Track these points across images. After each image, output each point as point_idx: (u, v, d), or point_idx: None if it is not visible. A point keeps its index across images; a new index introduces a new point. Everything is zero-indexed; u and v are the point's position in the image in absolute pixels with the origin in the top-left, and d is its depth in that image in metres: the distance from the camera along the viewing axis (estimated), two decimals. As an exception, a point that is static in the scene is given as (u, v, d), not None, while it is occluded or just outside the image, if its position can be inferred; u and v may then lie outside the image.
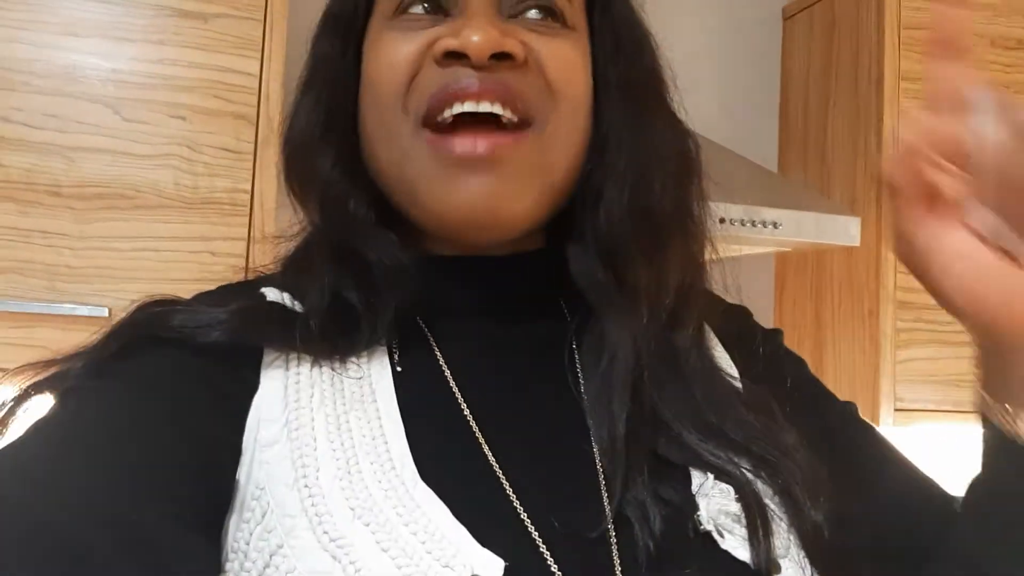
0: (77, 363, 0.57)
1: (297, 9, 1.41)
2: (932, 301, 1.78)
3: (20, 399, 0.56)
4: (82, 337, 1.24)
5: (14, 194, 1.28)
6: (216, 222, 1.34)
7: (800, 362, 0.73)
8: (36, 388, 0.56)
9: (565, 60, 0.62)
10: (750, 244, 1.57)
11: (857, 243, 1.54)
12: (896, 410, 1.71)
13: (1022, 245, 0.51)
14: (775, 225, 1.39)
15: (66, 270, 1.28)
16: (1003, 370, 0.55)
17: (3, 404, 0.56)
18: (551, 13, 0.62)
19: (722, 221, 1.40)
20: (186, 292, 1.27)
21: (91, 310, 1.27)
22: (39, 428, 0.54)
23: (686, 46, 2.08)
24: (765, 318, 2.07)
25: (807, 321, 1.94)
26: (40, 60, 1.30)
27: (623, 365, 0.61)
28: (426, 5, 0.62)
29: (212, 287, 1.27)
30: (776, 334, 0.75)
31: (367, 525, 0.52)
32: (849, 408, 0.71)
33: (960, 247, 0.52)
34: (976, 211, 0.51)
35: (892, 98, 1.74)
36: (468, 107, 0.59)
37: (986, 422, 0.57)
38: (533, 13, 0.62)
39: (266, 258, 1.30)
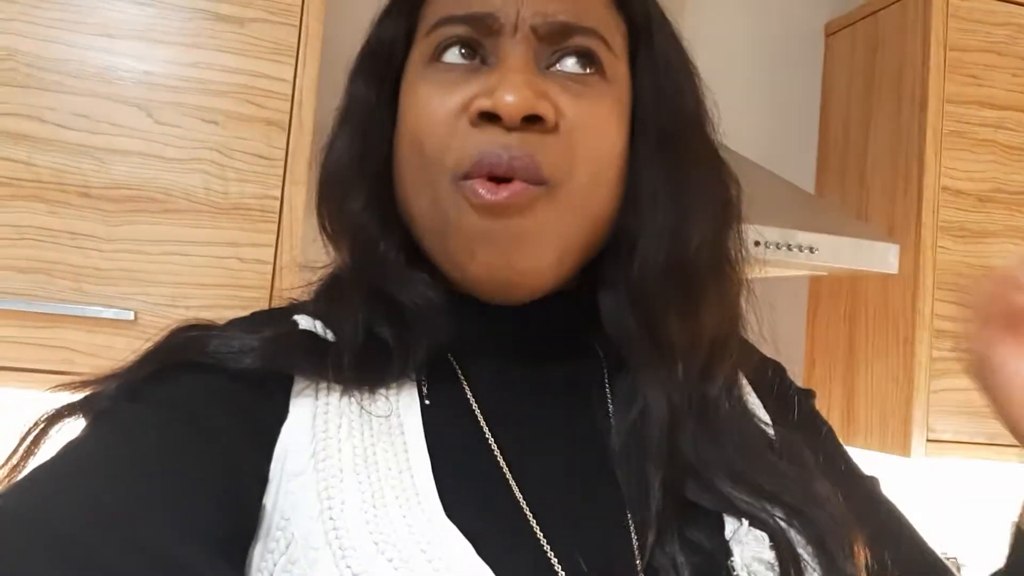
0: (111, 385, 0.57)
1: (333, 15, 1.40)
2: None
3: (52, 420, 0.57)
4: (107, 339, 1.26)
5: (44, 194, 1.27)
6: (245, 228, 1.33)
7: (828, 428, 0.73)
8: (69, 410, 0.57)
9: (596, 122, 0.61)
10: (784, 267, 1.54)
11: (895, 271, 1.51)
12: (928, 440, 1.67)
13: None
14: (811, 250, 1.36)
15: (93, 272, 1.28)
16: None
17: (36, 424, 0.57)
18: (590, 62, 0.62)
19: (757, 244, 1.37)
20: (213, 297, 1.29)
21: (117, 313, 1.27)
22: (69, 450, 0.54)
23: (724, 61, 2.07)
24: (797, 341, 2.04)
25: (839, 346, 1.91)
26: (73, 60, 1.30)
27: (654, 418, 0.61)
28: (463, 51, 0.62)
29: (238, 292, 1.27)
30: (809, 394, 0.75)
31: (390, 561, 0.52)
32: (872, 483, 0.71)
33: None
34: None
35: (935, 122, 1.71)
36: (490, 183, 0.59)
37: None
38: (571, 63, 0.62)
39: (294, 264, 1.32)
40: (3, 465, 0.55)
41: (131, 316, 1.27)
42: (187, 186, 1.32)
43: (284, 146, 1.35)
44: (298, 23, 1.37)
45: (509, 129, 0.58)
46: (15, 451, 0.56)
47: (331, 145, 0.68)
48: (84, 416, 0.57)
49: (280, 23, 1.36)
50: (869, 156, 1.86)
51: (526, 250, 0.59)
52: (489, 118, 0.59)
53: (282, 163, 1.35)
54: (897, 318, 1.71)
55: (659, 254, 0.63)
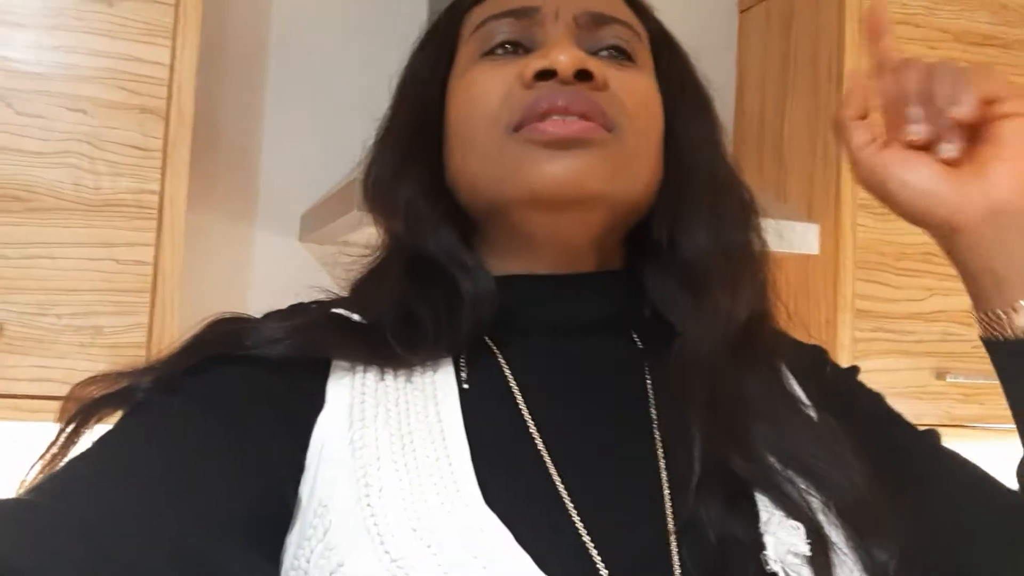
0: (147, 377, 0.60)
1: (213, -7, 1.33)
2: (892, 310, 1.74)
3: (90, 411, 0.59)
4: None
5: None
6: (121, 226, 1.24)
7: (878, 397, 0.77)
8: (105, 402, 0.59)
9: (640, 90, 0.68)
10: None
11: (816, 251, 1.50)
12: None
13: (952, 149, 0.62)
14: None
15: (-49, 280, 1.18)
16: (978, 274, 0.63)
17: (75, 415, 0.59)
18: (624, 53, 0.69)
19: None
20: (87, 303, 1.20)
21: (-22, 324, 1.17)
22: (103, 444, 0.56)
23: (637, 39, 2.03)
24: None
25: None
26: (-80, 46, 1.19)
27: (697, 368, 0.65)
28: (509, 46, 0.68)
29: (115, 296, 1.21)
30: (852, 371, 0.79)
31: (429, 547, 0.54)
32: (930, 438, 0.73)
33: (911, 162, 0.62)
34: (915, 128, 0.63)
35: (852, 97, 1.69)
36: (556, 118, 0.63)
37: (992, 349, 0.63)
38: (606, 53, 0.68)
39: (177, 266, 1.24)
40: (41, 456, 0.57)
41: (-5, 327, 1.17)
42: (54, 182, 1.22)
43: (162, 135, 1.26)
44: (174, 2, 1.28)
45: (564, 83, 0.63)
46: (54, 442, 0.58)
47: (389, 123, 0.73)
48: (120, 408, 0.59)
49: (154, 2, 1.27)
50: (786, 134, 1.84)
51: (592, 173, 0.63)
52: (543, 77, 0.64)
53: (160, 154, 1.26)
54: (819, 299, 1.69)
55: (709, 234, 0.69)
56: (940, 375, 1.65)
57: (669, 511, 0.60)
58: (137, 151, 1.25)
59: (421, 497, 0.56)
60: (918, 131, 0.62)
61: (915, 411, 1.62)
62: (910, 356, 1.64)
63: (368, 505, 0.56)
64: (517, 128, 0.64)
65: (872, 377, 1.62)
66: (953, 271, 0.65)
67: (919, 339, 1.65)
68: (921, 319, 1.65)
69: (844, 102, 0.67)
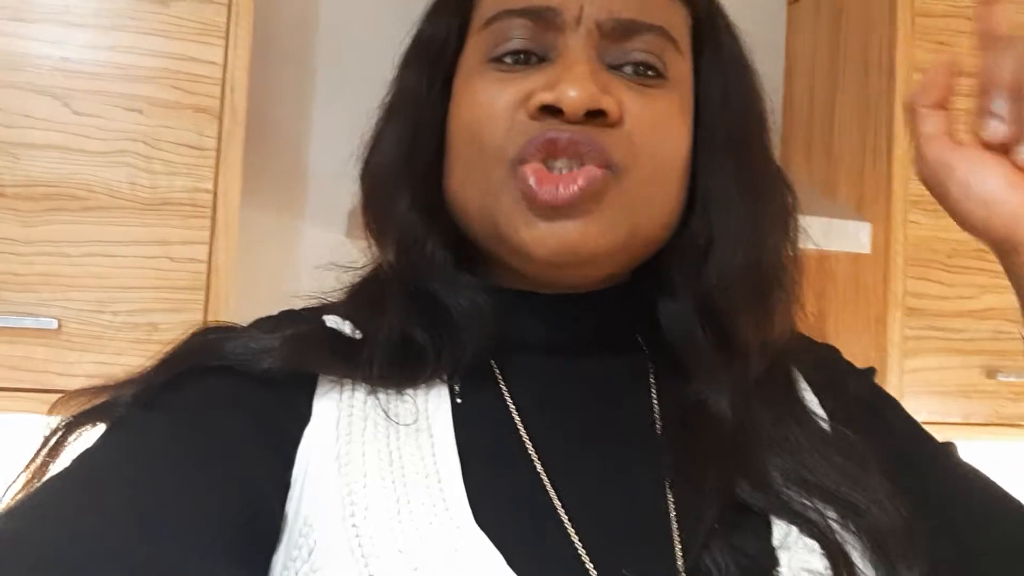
0: (128, 391, 0.57)
1: (265, -8, 1.35)
2: (943, 308, 1.72)
3: (70, 428, 0.57)
4: (28, 350, 1.19)
5: (-47, 195, 1.20)
6: (175, 224, 1.26)
7: (893, 403, 0.72)
8: (85, 417, 0.57)
9: (659, 122, 0.61)
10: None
11: (868, 250, 1.49)
12: (905, 422, 1.66)
13: None
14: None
15: (11, 278, 1.21)
16: None
17: (54, 432, 0.57)
18: (656, 65, 0.62)
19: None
20: (143, 301, 1.23)
21: (38, 321, 1.20)
22: (82, 462, 0.54)
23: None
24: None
25: (807, 325, 1.88)
26: (-18, 47, 1.22)
27: (715, 416, 0.61)
28: (521, 56, 0.61)
29: (170, 294, 1.23)
30: (867, 373, 0.74)
31: (415, 569, 0.51)
32: (946, 451, 0.69)
33: (981, 165, 0.57)
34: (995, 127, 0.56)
35: (904, 90, 1.67)
36: (560, 163, 0.59)
37: None
38: (637, 67, 0.61)
39: (231, 263, 1.26)
40: (21, 474, 0.56)
41: (54, 324, 1.20)
42: (110, 181, 1.25)
43: (216, 134, 1.28)
44: (227, 2, 1.30)
45: (571, 122, 0.58)
46: (33, 459, 0.56)
47: (376, 141, 0.67)
48: (102, 422, 0.57)
49: (208, 1, 1.29)
50: (836, 128, 1.83)
51: (593, 236, 0.59)
52: (550, 112, 0.58)
53: (214, 153, 1.28)
54: (868, 296, 1.68)
55: (737, 257, 0.63)
56: (990, 373, 1.63)
57: (675, 531, 0.57)
58: (191, 150, 1.28)
59: (408, 516, 0.53)
60: (995, 129, 0.56)
61: (964, 410, 1.62)
62: (960, 354, 1.63)
63: (353, 525, 0.53)
64: (518, 162, 0.59)
65: (921, 375, 1.64)
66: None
67: (970, 337, 1.64)
68: (972, 317, 1.64)
69: (922, 86, 0.60)
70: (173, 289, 1.26)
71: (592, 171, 0.58)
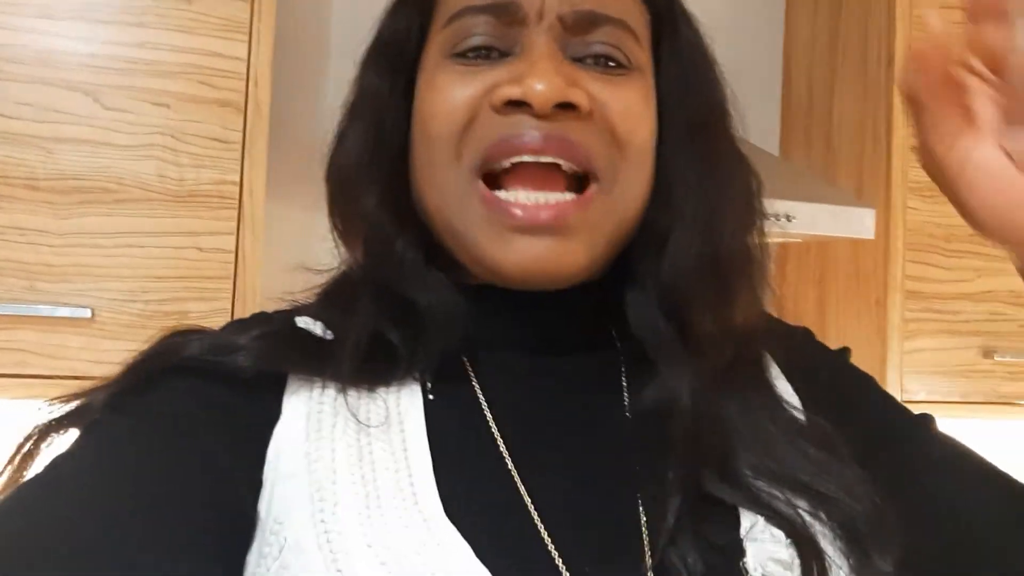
0: (100, 396, 0.57)
1: (286, -12, 1.39)
2: (941, 291, 1.77)
3: (42, 435, 0.57)
4: (63, 339, 1.24)
5: (-12, 189, 1.24)
6: (203, 216, 1.31)
7: (866, 382, 0.72)
8: (58, 423, 0.57)
9: (631, 109, 0.61)
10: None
11: (872, 236, 1.54)
12: (903, 401, 1.72)
13: None
14: (788, 218, 1.38)
15: (45, 269, 1.25)
16: None
17: (26, 440, 0.57)
18: (619, 56, 0.62)
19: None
20: (174, 290, 1.28)
21: (72, 311, 1.25)
22: (54, 468, 0.54)
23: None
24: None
25: (809, 309, 1.95)
26: (13, 45, 1.26)
27: (678, 409, 0.61)
28: (483, 52, 0.61)
29: (199, 283, 1.26)
30: (840, 354, 0.75)
31: (383, 564, 0.52)
32: (922, 425, 0.69)
33: (988, 162, 0.53)
34: (1011, 133, 0.52)
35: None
36: (528, 158, 0.59)
37: None
38: (599, 59, 0.62)
39: (257, 252, 1.31)
40: None
41: (88, 314, 1.25)
42: (140, 174, 1.29)
43: (241, 128, 1.33)
44: (249, -3, 1.34)
45: (539, 117, 0.58)
46: (9, 463, 0.56)
47: (340, 140, 0.67)
48: (76, 427, 0.57)
49: (230, -2, 1.34)
50: (835, 116, 1.88)
51: (568, 251, 0.59)
52: (516, 106, 0.58)
53: (239, 146, 1.33)
54: (868, 280, 1.75)
55: (692, 247, 0.63)
56: (987, 354, 1.70)
57: (643, 522, 0.57)
58: (218, 143, 1.32)
59: (378, 511, 0.54)
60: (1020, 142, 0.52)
61: (963, 389, 1.69)
62: (958, 335, 1.70)
63: (322, 521, 0.53)
64: (480, 169, 0.59)
65: (921, 356, 1.71)
66: (1001, 252, 0.57)
67: (967, 319, 1.71)
68: (969, 299, 1.70)
69: (915, 65, 0.54)
70: (202, 278, 1.31)
71: (567, 205, 0.58)
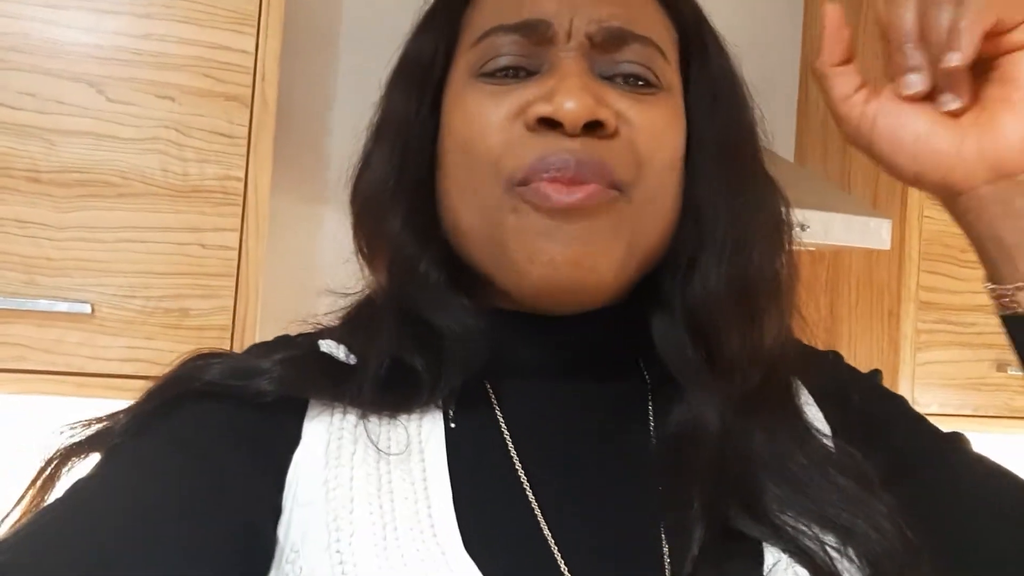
0: (121, 420, 0.58)
1: (296, -18, 1.37)
2: (955, 302, 1.76)
3: (64, 459, 0.58)
4: (62, 334, 1.23)
5: (-11, 180, 1.23)
6: (207, 211, 1.29)
7: (897, 404, 0.71)
8: (80, 447, 0.58)
9: (655, 128, 0.61)
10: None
11: (888, 246, 1.53)
12: (915, 415, 1.71)
13: (954, 101, 0.55)
14: (802, 227, 1.36)
15: (45, 262, 1.24)
16: (984, 242, 0.56)
17: (48, 463, 0.58)
18: (647, 75, 0.62)
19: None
20: (175, 287, 1.27)
21: (72, 306, 1.23)
22: (77, 490, 0.55)
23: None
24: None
25: (820, 318, 1.93)
26: (15, 34, 1.24)
27: (705, 438, 0.60)
28: (511, 71, 0.61)
29: (201, 280, 1.24)
30: (871, 377, 0.74)
31: None
32: (954, 444, 0.68)
33: (904, 115, 0.56)
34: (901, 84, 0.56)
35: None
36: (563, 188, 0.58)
37: (1009, 325, 0.58)
38: (628, 77, 0.61)
39: (261, 250, 1.29)
40: (19, 500, 0.57)
41: (88, 309, 1.24)
42: (143, 168, 1.27)
43: (247, 123, 1.31)
44: (258, -10, 1.33)
45: (571, 135, 0.58)
46: (26, 492, 0.57)
47: (366, 162, 0.67)
48: (97, 451, 0.58)
49: (239, -10, 1.32)
50: (851, 123, 1.86)
51: (595, 249, 0.58)
52: (548, 124, 0.58)
53: (245, 141, 1.31)
54: (882, 291, 1.73)
55: (721, 269, 0.62)
56: (1000, 367, 1.69)
57: (666, 558, 0.57)
58: (223, 138, 1.30)
59: (395, 542, 0.53)
60: (913, 83, 0.55)
61: (975, 402, 1.68)
62: (971, 348, 1.68)
63: (338, 551, 0.53)
64: (521, 183, 0.59)
65: (933, 368, 1.69)
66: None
67: (980, 331, 1.69)
68: (983, 311, 1.68)
69: (822, 46, 0.59)
70: (204, 275, 1.29)
71: (591, 187, 0.58)
